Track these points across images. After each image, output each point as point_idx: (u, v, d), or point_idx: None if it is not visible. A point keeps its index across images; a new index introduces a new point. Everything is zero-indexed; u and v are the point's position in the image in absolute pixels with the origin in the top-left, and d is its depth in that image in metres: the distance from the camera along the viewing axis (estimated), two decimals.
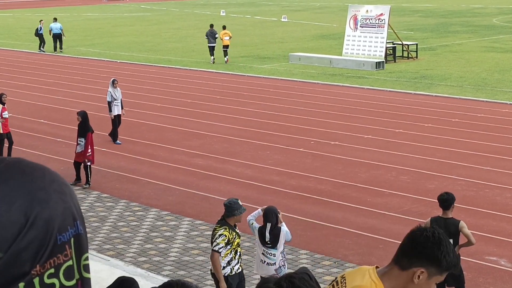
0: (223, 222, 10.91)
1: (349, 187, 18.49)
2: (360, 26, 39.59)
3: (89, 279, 1.85)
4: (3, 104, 20.90)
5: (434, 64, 38.78)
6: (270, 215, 11.18)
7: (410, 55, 40.86)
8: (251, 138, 23.64)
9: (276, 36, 54.45)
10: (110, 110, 23.30)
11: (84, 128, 18.94)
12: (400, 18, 63.44)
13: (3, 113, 20.72)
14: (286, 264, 11.44)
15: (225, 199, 17.56)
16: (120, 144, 23.10)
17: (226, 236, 10.69)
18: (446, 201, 11.06)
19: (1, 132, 20.72)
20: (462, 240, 11.20)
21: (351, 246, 14.81)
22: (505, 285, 12.97)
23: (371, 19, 39.26)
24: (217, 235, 10.73)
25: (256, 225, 11.32)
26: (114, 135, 23.36)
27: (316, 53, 42.46)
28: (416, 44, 42.08)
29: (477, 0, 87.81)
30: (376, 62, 37.69)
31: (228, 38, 41.83)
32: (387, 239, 14.17)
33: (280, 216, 11.34)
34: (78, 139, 19.05)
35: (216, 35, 41.80)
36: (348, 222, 16.09)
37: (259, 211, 11.52)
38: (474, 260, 13.91)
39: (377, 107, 28.11)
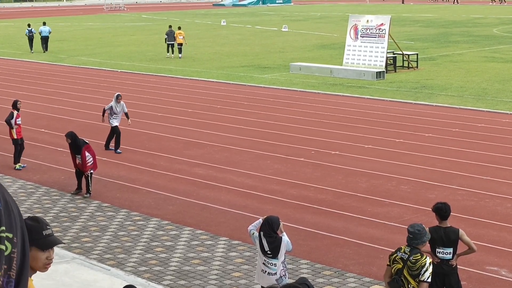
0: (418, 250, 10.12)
1: (350, 197, 18.49)
2: (361, 36, 39.64)
3: (2, 250, 1.90)
4: (18, 110, 21.79)
5: (435, 74, 38.82)
6: (263, 225, 11.20)
7: (410, 65, 40.91)
8: (252, 147, 23.65)
9: (277, 45, 54.52)
10: (103, 116, 23.82)
11: (76, 147, 18.98)
12: (400, 28, 63.53)
13: (17, 120, 21.44)
14: (287, 274, 11.43)
15: (226, 208, 17.65)
16: (111, 150, 23.38)
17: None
18: (443, 210, 11.05)
19: (16, 137, 21.72)
20: (460, 248, 11.18)
21: (352, 256, 14.80)
22: None
23: (372, 29, 39.32)
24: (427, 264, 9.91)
25: (257, 235, 11.32)
26: (108, 143, 23.62)
27: (316, 62, 42.52)
28: (417, 54, 42.14)
29: (477, 11, 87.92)
30: (377, 72, 37.73)
31: (182, 37, 48.39)
32: (388, 248, 14.15)
33: (281, 226, 11.34)
34: (76, 156, 19.13)
35: (175, 34, 48.49)
36: (348, 232, 16.08)
37: (260, 220, 11.52)
38: (474, 270, 13.90)
39: (377, 117, 28.14)
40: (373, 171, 20.70)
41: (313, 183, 19.67)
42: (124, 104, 23.62)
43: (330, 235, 15.92)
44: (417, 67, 40.91)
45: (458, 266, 11.30)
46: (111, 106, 23.34)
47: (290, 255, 13.86)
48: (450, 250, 11.03)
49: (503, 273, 13.89)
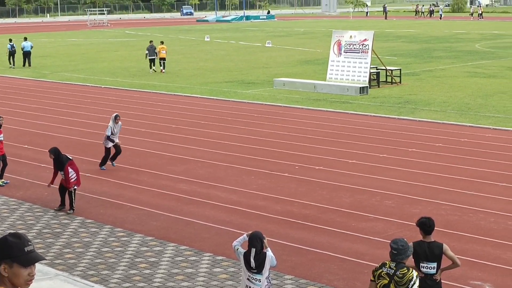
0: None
1: (334, 212, 18.50)
2: (344, 52, 39.78)
3: None
4: (0, 126, 21.39)
5: (418, 89, 38.99)
6: (255, 241, 11.16)
7: (393, 80, 41.07)
8: (236, 163, 23.64)
9: (261, 61, 54.63)
10: (112, 141, 23.15)
11: (59, 163, 18.94)
12: (383, 44, 63.83)
13: None
14: None
15: (210, 224, 17.61)
16: (104, 169, 23.06)
17: None
18: (427, 225, 11.08)
19: None
20: (444, 263, 11.20)
21: (336, 271, 14.79)
22: None
23: (355, 44, 39.46)
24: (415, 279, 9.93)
25: (242, 251, 11.29)
26: (104, 161, 23.27)
27: (300, 78, 42.62)
28: (400, 69, 42.34)
29: (460, 26, 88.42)
30: (360, 87, 37.85)
31: (164, 52, 49.12)
32: (372, 263, 14.15)
33: (265, 241, 11.32)
34: (59, 172, 19.08)
35: (156, 50, 49.02)
36: (333, 247, 16.08)
37: (244, 236, 11.50)
38: (458, 284, 13.92)
39: (361, 132, 28.20)
40: (357, 186, 20.72)
41: (298, 199, 19.66)
42: (121, 124, 23.57)
43: (314, 250, 15.91)
44: (400, 82, 41.08)
45: (442, 281, 11.31)
46: (111, 128, 22.98)
47: (274, 270, 13.83)
48: (434, 264, 11.04)
49: (487, 287, 13.91)
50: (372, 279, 10.11)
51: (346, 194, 20.06)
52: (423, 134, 27.68)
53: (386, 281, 9.88)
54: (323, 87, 39.19)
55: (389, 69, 41.72)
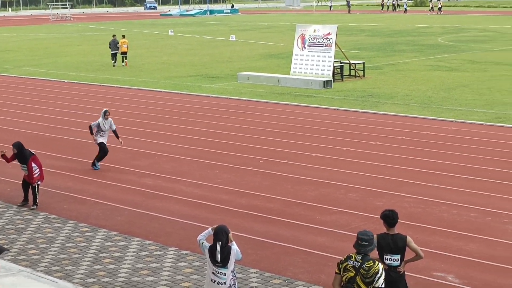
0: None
1: (299, 205, 18.56)
2: (308, 46, 39.89)
3: None
4: None
5: (381, 82, 39.21)
6: (220, 234, 11.16)
7: (357, 74, 41.27)
8: (200, 157, 23.61)
9: (225, 55, 54.59)
10: (92, 133, 22.36)
11: (23, 157, 18.76)
12: (347, 38, 64.07)
13: None
14: (236, 283, 11.42)
15: (175, 218, 17.58)
16: (98, 169, 22.33)
17: None
18: (390, 217, 11.15)
19: None
20: (408, 255, 11.29)
21: (301, 264, 14.84)
22: None
23: (319, 38, 39.58)
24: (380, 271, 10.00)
25: (207, 244, 11.29)
26: (97, 159, 22.49)
27: (264, 72, 42.67)
28: (363, 63, 42.54)
29: (422, 20, 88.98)
30: (324, 81, 37.98)
31: (126, 46, 49.57)
32: (337, 256, 14.22)
33: (230, 235, 11.33)
34: (21, 165, 18.92)
35: (118, 44, 49.31)
36: (297, 240, 16.13)
37: (209, 230, 11.49)
38: (422, 276, 14.04)
39: (325, 125, 28.31)
40: (321, 180, 20.81)
41: (262, 192, 19.70)
42: (112, 121, 22.44)
43: (279, 244, 15.95)
44: (363, 76, 41.29)
45: (405, 273, 11.40)
46: (98, 123, 22.15)
47: (239, 264, 13.86)
48: (398, 256, 11.13)
49: (450, 278, 14.05)
50: (337, 271, 10.15)
51: (310, 187, 20.14)
52: (386, 127, 27.86)
53: (352, 274, 9.94)
54: (287, 81, 39.26)
55: (353, 63, 41.91)
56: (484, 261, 14.84)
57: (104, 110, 22.50)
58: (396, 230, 11.25)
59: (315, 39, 39.71)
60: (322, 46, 39.33)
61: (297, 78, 39.32)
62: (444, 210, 18.09)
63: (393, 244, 11.10)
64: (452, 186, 20.06)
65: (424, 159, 22.92)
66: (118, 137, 22.52)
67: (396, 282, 11.17)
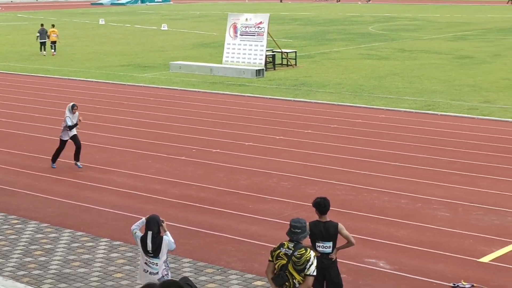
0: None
1: (231, 194, 18.58)
2: (240, 34, 39.90)
3: None
4: None
5: (313, 71, 39.44)
6: (151, 224, 11.12)
7: (289, 63, 41.43)
8: (132, 147, 23.46)
9: (156, 44, 54.27)
10: (71, 129, 20.99)
11: None
12: (279, 27, 64.22)
13: None
14: (169, 273, 11.40)
15: (107, 209, 17.44)
16: (54, 168, 21.23)
17: None
18: (322, 205, 11.25)
19: None
20: (340, 242, 11.40)
21: (234, 253, 14.88)
22: (384, 286, 13.28)
23: (251, 27, 39.62)
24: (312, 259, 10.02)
25: (139, 234, 11.24)
26: (56, 156, 21.30)
27: (196, 61, 42.55)
28: (295, 51, 42.71)
29: (353, 9, 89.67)
30: (256, 70, 38.04)
31: (55, 35, 49.33)
32: (269, 244, 14.28)
33: (164, 225, 11.30)
34: None
35: (47, 33, 49.12)
36: (230, 229, 16.16)
37: (143, 220, 11.44)
38: (353, 263, 14.19)
39: (257, 114, 28.38)
40: (254, 168, 20.87)
41: (195, 182, 19.67)
42: (78, 115, 21.19)
43: (212, 233, 15.96)
44: (295, 64, 41.47)
45: (337, 260, 11.51)
46: (70, 119, 20.82)
47: (172, 254, 13.82)
48: (330, 244, 11.22)
49: (381, 265, 14.24)
50: (270, 259, 10.20)
51: (243, 176, 20.18)
52: (318, 115, 28.05)
53: (284, 261, 9.99)
54: (220, 70, 39.23)
55: (285, 52, 42.06)
56: (414, 247, 15.07)
57: (71, 103, 21.27)
58: (328, 217, 11.34)
59: (247, 28, 39.74)
60: (254, 35, 39.38)
61: (230, 67, 39.31)
62: (375, 197, 18.31)
63: (325, 231, 11.19)
64: (383, 173, 20.31)
65: (355, 147, 23.14)
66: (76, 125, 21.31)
67: (328, 269, 11.27)
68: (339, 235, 11.31)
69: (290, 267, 9.94)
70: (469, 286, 13.19)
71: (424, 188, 18.98)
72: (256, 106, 30.21)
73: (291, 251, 9.95)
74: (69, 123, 20.92)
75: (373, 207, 17.56)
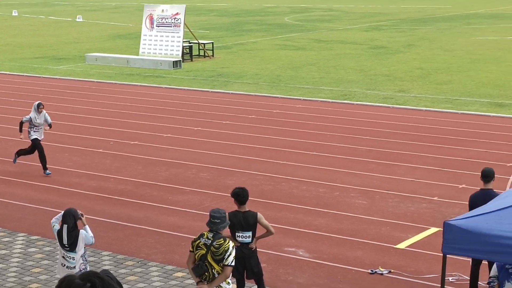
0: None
1: (150, 186, 18.52)
2: (156, 26, 39.68)
3: None
4: None
5: (230, 62, 39.49)
6: (67, 217, 11.02)
7: (206, 54, 41.38)
8: (48, 140, 23.08)
9: (72, 36, 53.54)
10: (21, 131, 19.70)
11: None
12: (195, 18, 64.05)
13: None
14: (88, 267, 11.31)
15: (24, 203, 17.19)
16: (50, 174, 19.58)
17: None
18: (240, 195, 11.31)
19: None
20: (259, 232, 11.49)
21: (154, 245, 14.84)
22: (304, 274, 13.44)
23: (167, 18, 39.44)
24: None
25: (57, 227, 11.13)
26: (22, 152, 20.01)
27: (113, 53, 42.14)
28: (212, 43, 42.68)
29: (269, 0, 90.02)
30: (173, 61, 37.91)
31: None
32: (190, 236, 14.29)
33: (83, 218, 11.20)
34: None
35: None
36: (150, 221, 16.11)
37: (62, 213, 11.33)
38: (273, 252, 14.31)
39: (175, 105, 28.30)
40: (172, 160, 20.82)
41: (113, 174, 19.53)
42: (46, 114, 19.87)
43: (131, 226, 15.88)
44: (213, 56, 41.45)
45: (257, 249, 11.60)
46: (31, 118, 19.51)
47: (91, 247, 13.71)
48: (249, 233, 11.30)
49: (300, 253, 14.39)
50: (191, 250, 10.23)
51: (161, 168, 20.12)
52: (236, 106, 28.12)
53: (203, 251, 10.02)
54: (136, 61, 38.96)
55: (202, 43, 41.99)
56: (332, 235, 15.28)
57: (37, 102, 19.83)
58: (247, 207, 11.42)
59: (164, 19, 39.54)
60: (171, 26, 39.21)
61: (146, 58, 39.07)
62: (293, 186, 18.47)
63: (244, 221, 11.26)
64: (301, 162, 20.50)
65: (273, 137, 23.29)
66: (50, 126, 20.07)
67: (249, 259, 11.36)
68: (258, 225, 11.40)
69: (209, 257, 9.98)
70: (387, 272, 13.45)
71: (341, 176, 19.23)
72: (174, 97, 30.12)
73: (210, 241, 9.99)
74: (23, 119, 19.60)
75: (292, 196, 17.71)
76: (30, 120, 19.58)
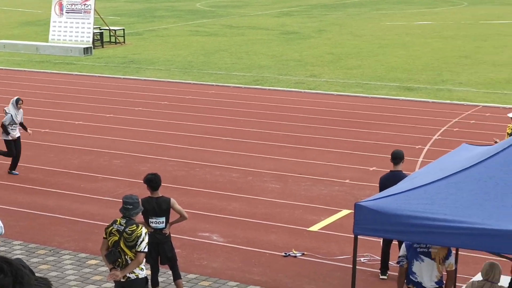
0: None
1: (62, 174, 18.30)
2: (66, 12, 39.11)
3: None
4: None
5: (142, 48, 39.23)
6: None
7: (117, 40, 41.01)
8: None
9: None
10: (8, 133, 18.04)
11: None
12: (106, 4, 63.27)
13: None
14: None
15: None
16: (17, 174, 18.38)
17: None
18: (153, 181, 11.31)
19: None
20: (172, 217, 11.50)
21: (67, 233, 14.70)
22: (218, 259, 13.51)
23: (77, 4, 38.90)
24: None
25: None
26: (14, 163, 18.46)
27: (21, 40, 41.36)
28: (123, 29, 42.30)
29: None
30: (84, 48, 37.45)
31: None
32: (103, 223, 14.19)
33: None
34: None
35: None
36: (62, 210, 15.94)
37: None
38: (187, 237, 14.34)
39: (87, 93, 27.99)
40: (85, 147, 20.61)
41: (24, 163, 19.18)
42: (22, 112, 18.43)
43: (44, 214, 15.69)
44: (124, 42, 41.09)
45: (171, 235, 11.62)
46: (11, 117, 17.95)
47: (2, 237, 13.50)
48: (163, 219, 11.31)
49: (215, 238, 14.46)
50: (104, 236, 10.20)
51: (73, 155, 19.90)
52: (148, 92, 27.98)
53: (116, 238, 10.00)
54: (46, 48, 38.34)
55: (113, 29, 41.58)
56: (246, 219, 15.39)
57: (16, 98, 18.32)
58: (160, 193, 11.42)
59: (73, 5, 38.98)
60: (81, 13, 38.69)
61: (56, 45, 38.49)
62: (207, 172, 18.51)
63: (157, 207, 11.26)
64: (215, 148, 20.55)
65: (186, 123, 23.27)
66: (26, 129, 18.55)
67: (162, 244, 11.37)
68: (172, 210, 11.42)
69: (122, 244, 9.96)
70: (300, 254, 13.62)
71: (255, 161, 19.36)
72: (85, 84, 29.77)
73: (123, 228, 9.97)
74: (6, 122, 17.94)
75: (206, 181, 17.76)
76: (11, 118, 17.99)
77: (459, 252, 11.37)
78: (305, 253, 13.71)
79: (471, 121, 23.60)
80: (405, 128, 22.73)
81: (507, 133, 15.47)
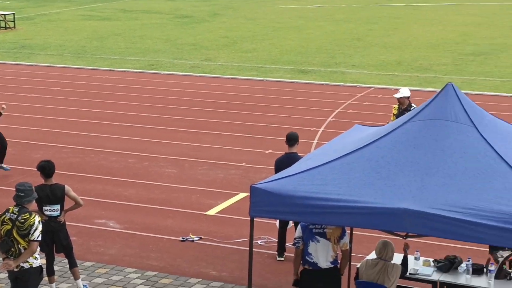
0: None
1: None
2: None
3: None
4: None
5: (33, 33, 38.44)
6: None
7: (7, 25, 40.06)
8: None
9: None
10: None
11: None
12: None
13: None
14: None
15: None
16: (8, 169, 17.38)
17: None
18: (46, 168, 11.12)
19: None
20: (67, 205, 11.34)
21: None
22: (115, 245, 13.39)
23: None
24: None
25: None
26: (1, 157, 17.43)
27: None
28: (13, 13, 41.33)
29: None
30: None
31: None
32: None
33: None
34: None
35: None
36: None
37: None
38: (83, 225, 14.16)
39: None
40: None
41: None
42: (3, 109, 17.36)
43: None
44: (14, 27, 40.17)
45: (66, 222, 11.45)
46: None
47: None
48: (57, 207, 11.13)
49: (111, 224, 14.32)
50: None
51: None
52: (40, 78, 27.46)
53: (9, 226, 9.79)
54: None
55: (2, 14, 40.60)
56: (143, 205, 15.30)
57: None
58: (54, 180, 11.23)
59: None
60: None
61: None
62: (102, 158, 18.31)
63: (51, 194, 11.08)
64: (110, 134, 20.34)
65: (80, 109, 22.94)
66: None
67: (57, 232, 11.20)
68: (67, 198, 11.25)
69: (14, 233, 9.76)
70: (197, 238, 13.63)
71: (151, 146, 19.25)
72: None
73: (16, 216, 9.77)
74: None
75: (101, 168, 17.57)
76: None
77: (354, 232, 11.58)
78: (203, 237, 13.72)
79: (364, 103, 24.02)
80: (300, 110, 22.96)
81: (393, 113, 15.82)
